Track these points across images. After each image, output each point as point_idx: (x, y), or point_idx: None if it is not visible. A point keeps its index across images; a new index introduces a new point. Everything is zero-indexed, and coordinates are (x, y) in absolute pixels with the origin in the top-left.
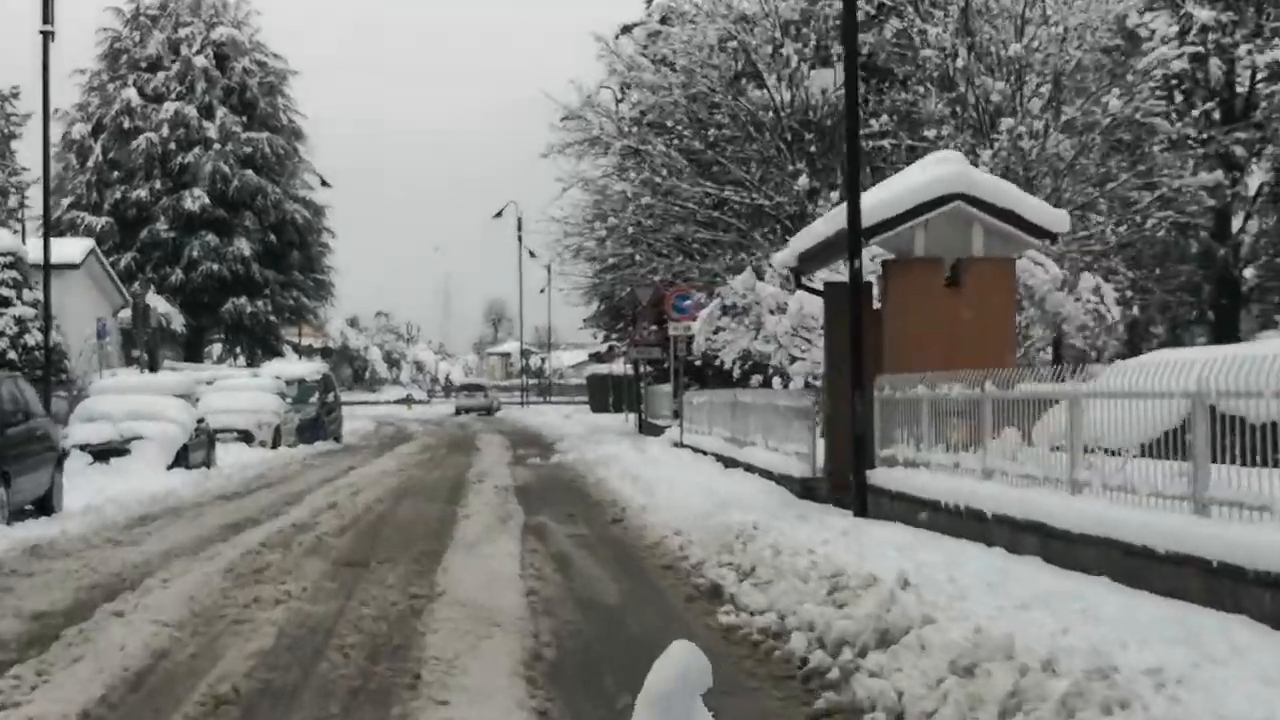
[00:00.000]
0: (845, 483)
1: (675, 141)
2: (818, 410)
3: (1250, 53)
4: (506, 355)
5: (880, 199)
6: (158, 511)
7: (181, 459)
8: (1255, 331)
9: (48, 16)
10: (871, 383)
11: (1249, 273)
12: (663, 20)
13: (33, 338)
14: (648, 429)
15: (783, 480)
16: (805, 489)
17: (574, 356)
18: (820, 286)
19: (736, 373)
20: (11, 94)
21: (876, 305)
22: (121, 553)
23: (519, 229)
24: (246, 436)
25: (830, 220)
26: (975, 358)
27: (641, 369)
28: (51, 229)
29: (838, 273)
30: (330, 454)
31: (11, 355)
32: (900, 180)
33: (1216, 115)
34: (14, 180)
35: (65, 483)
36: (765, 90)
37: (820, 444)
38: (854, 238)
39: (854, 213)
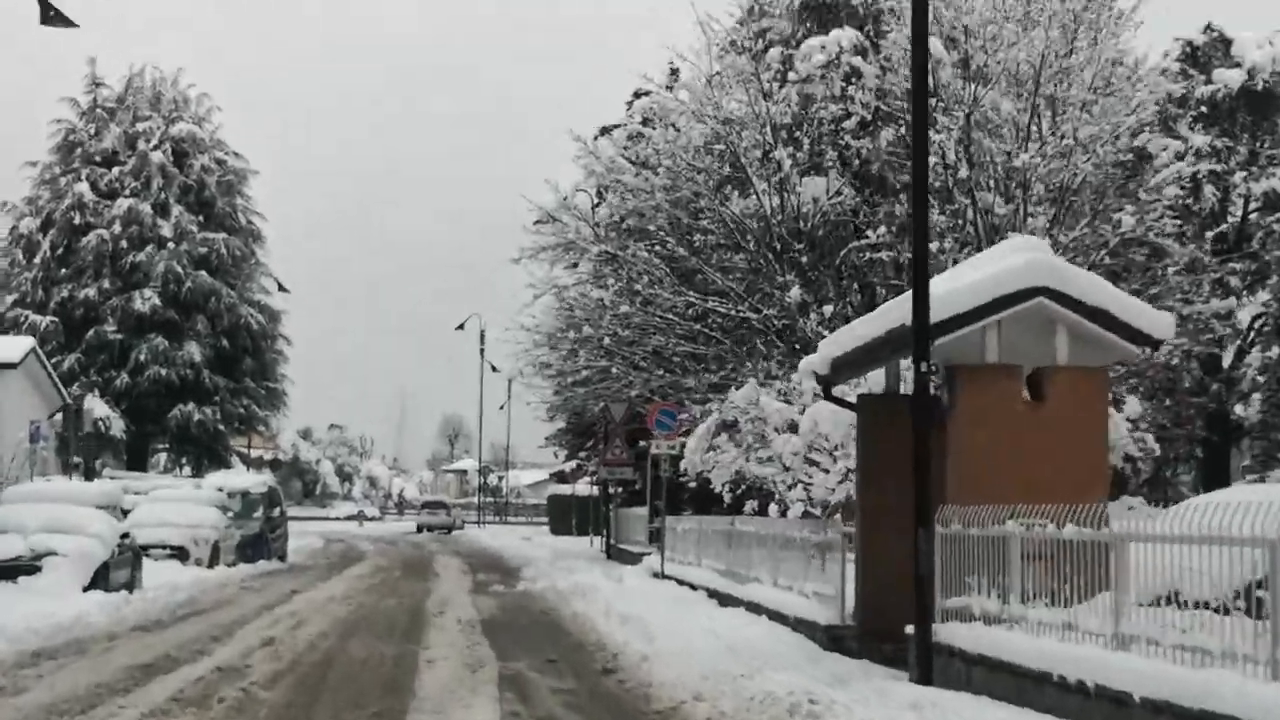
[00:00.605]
0: (885, 634)
1: (656, 247)
2: (846, 545)
3: (1245, 179)
4: (463, 473)
5: (940, 294)
6: (59, 646)
7: (101, 579)
8: (1248, 471)
9: None
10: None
11: (1240, 409)
12: (644, 122)
13: None
14: (618, 555)
15: (800, 626)
16: (831, 639)
17: (532, 476)
18: (853, 399)
19: (728, 498)
20: None
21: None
22: None
23: (481, 342)
24: (181, 554)
25: (875, 320)
26: (1056, 489)
27: (611, 490)
28: None
29: (855, 385)
30: (273, 575)
31: None
32: (966, 271)
33: (1207, 245)
34: None
35: None
36: (754, 196)
37: (850, 585)
38: (921, 332)
39: (921, 303)
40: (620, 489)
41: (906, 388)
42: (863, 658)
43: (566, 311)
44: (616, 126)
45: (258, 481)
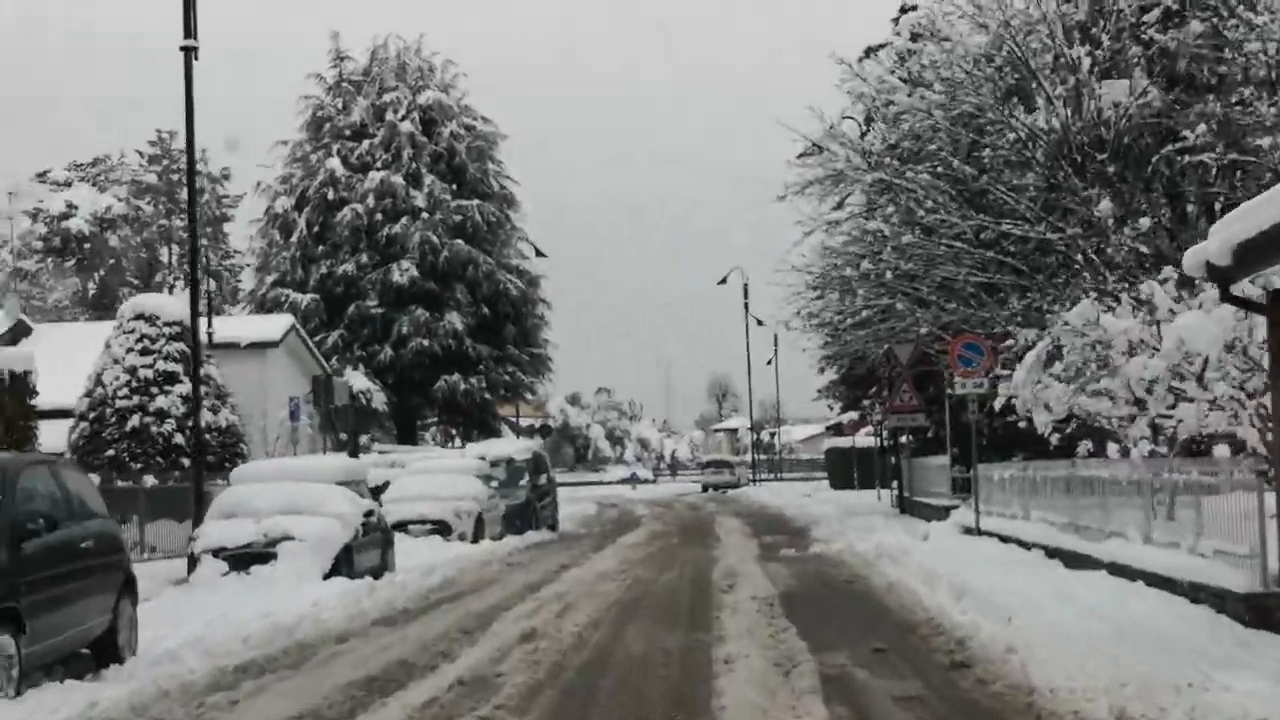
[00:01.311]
0: None
1: (939, 169)
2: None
3: None
4: (733, 431)
5: None
6: (273, 655)
7: (343, 564)
8: None
9: (189, 28)
10: None
11: None
12: (913, 38)
13: (206, 417)
14: (913, 509)
15: (1200, 595)
16: (1252, 611)
17: (803, 431)
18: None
19: (1055, 439)
20: (222, 175)
21: None
22: None
23: (745, 296)
24: (442, 529)
25: None
26: None
27: (900, 439)
28: (257, 307)
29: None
30: (541, 547)
31: (179, 439)
32: None
33: None
34: (225, 264)
35: (188, 599)
36: (1043, 105)
37: (1271, 541)
38: None
39: None
40: (910, 437)
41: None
42: None
43: (838, 251)
44: (882, 46)
45: (522, 448)
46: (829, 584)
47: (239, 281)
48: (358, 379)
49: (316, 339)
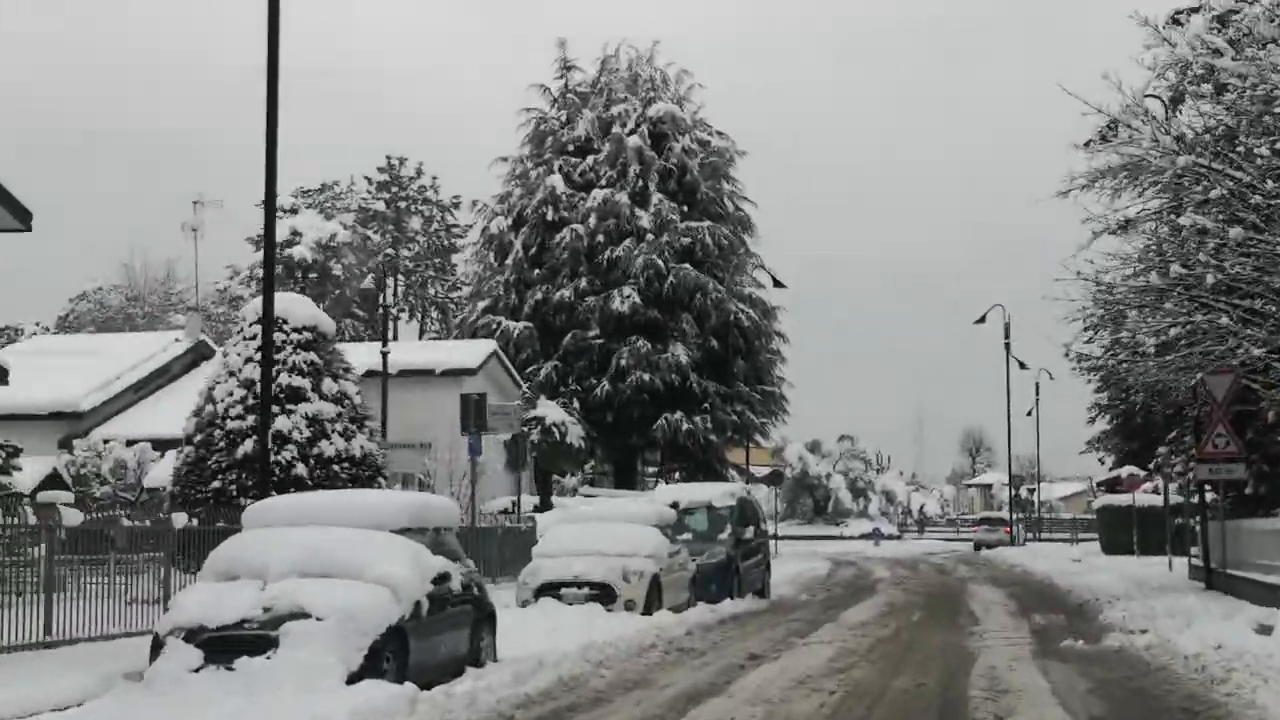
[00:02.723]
0: None
1: (1277, 144)
2: None
3: None
4: (987, 487)
5: None
6: None
7: (385, 656)
8: None
9: None
10: None
11: None
12: None
13: (333, 445)
14: (1226, 585)
15: None
16: None
17: (1063, 489)
18: None
19: None
20: (452, 204)
21: None
22: None
23: (1006, 335)
24: (604, 594)
25: None
26: None
27: (1209, 495)
28: (469, 335)
29: None
30: (738, 622)
31: (301, 469)
32: None
33: None
34: (452, 296)
35: (109, 715)
36: None
37: None
38: None
39: None
40: (1227, 493)
41: None
42: None
43: (1137, 258)
44: (1195, 10)
45: (723, 493)
46: (1158, 712)
47: (460, 309)
48: (551, 409)
49: (529, 370)
